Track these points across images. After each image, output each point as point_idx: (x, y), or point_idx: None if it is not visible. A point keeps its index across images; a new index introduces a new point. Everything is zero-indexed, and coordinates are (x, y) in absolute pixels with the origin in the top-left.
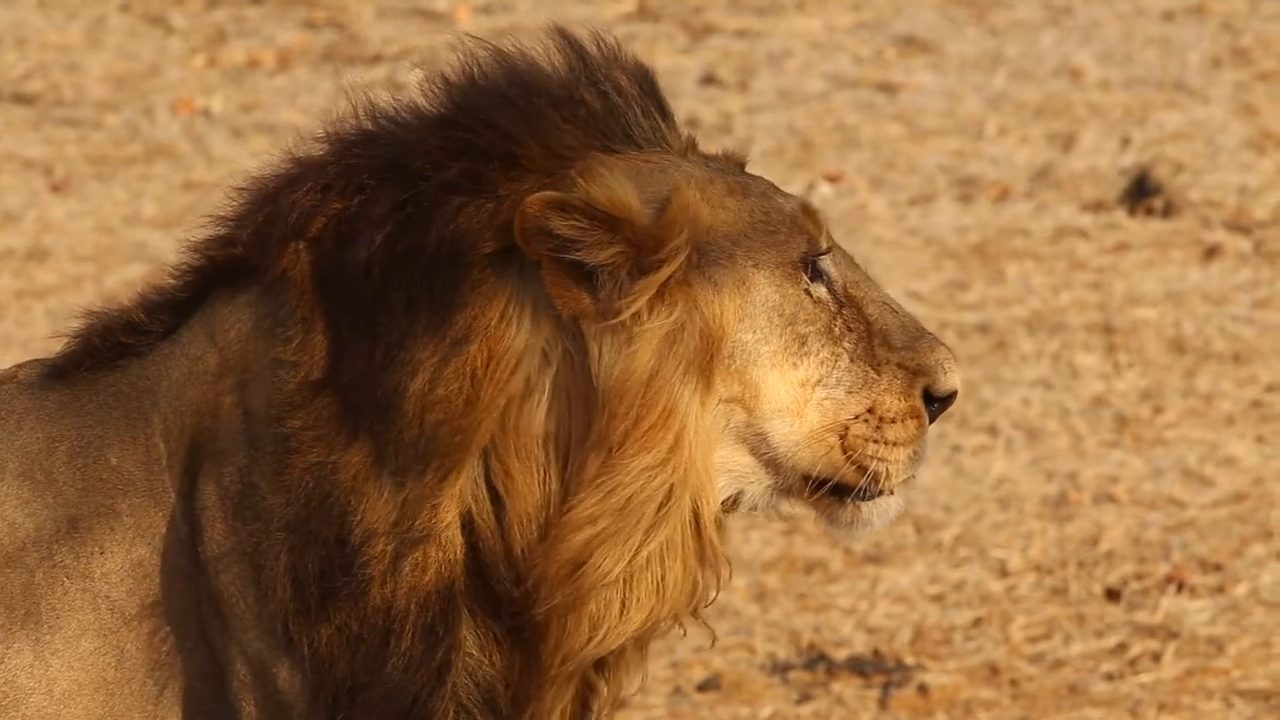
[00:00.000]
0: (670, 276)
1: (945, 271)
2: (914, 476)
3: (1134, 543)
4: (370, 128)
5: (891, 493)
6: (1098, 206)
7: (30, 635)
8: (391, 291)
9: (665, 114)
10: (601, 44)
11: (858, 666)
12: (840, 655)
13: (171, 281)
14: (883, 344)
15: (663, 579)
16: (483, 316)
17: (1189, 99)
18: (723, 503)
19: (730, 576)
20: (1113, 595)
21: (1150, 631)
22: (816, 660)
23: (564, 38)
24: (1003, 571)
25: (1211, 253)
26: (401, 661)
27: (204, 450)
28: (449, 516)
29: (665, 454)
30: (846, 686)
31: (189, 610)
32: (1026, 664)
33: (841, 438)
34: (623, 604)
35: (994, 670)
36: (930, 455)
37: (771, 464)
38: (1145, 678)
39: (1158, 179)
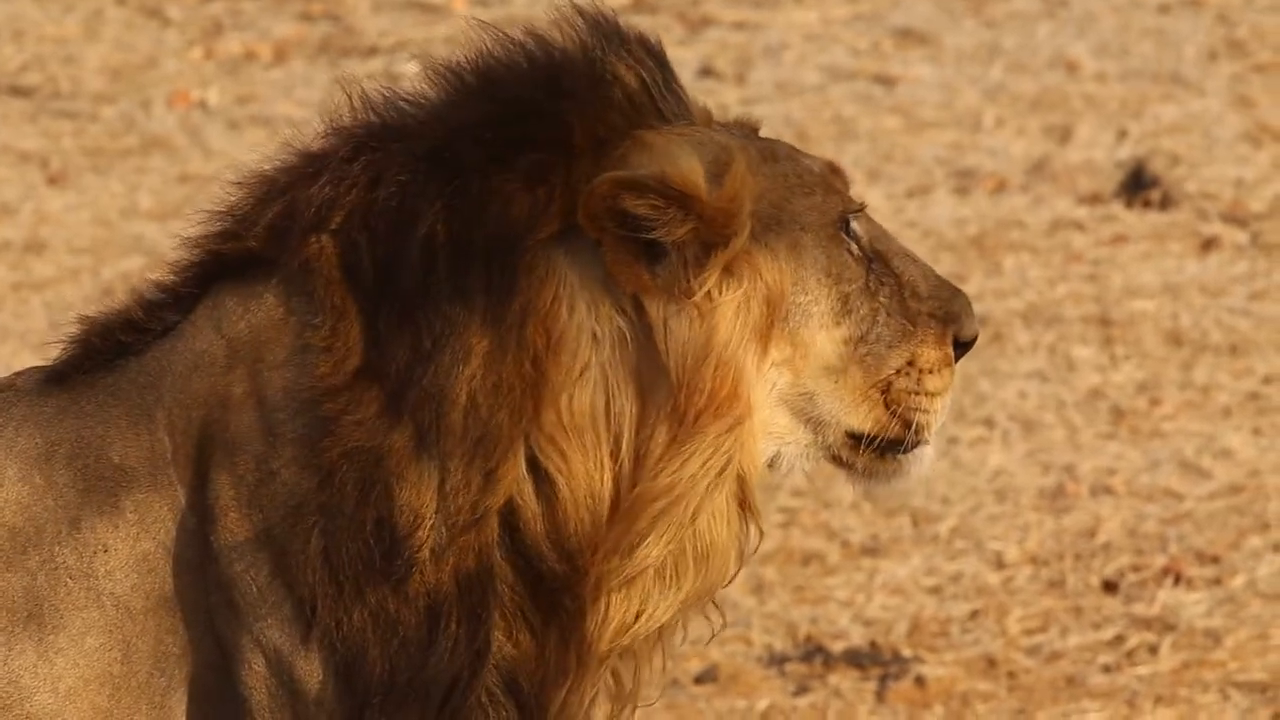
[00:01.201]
0: (739, 250)
1: (942, 263)
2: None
3: (1131, 535)
4: (379, 119)
5: (928, 442)
6: (1094, 199)
7: (33, 635)
8: (438, 280)
9: (680, 86)
10: (609, 20)
11: (855, 658)
12: (837, 647)
13: (170, 278)
14: (913, 295)
15: (711, 545)
16: (537, 300)
17: (1185, 91)
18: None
19: (761, 539)
20: (1110, 587)
21: (1147, 624)
22: (813, 652)
23: (576, 14)
24: (1000, 563)
25: (1208, 245)
26: (449, 644)
27: (214, 441)
28: (498, 501)
29: (733, 422)
30: (843, 678)
31: (197, 602)
32: (1023, 656)
33: (884, 392)
34: (673, 574)
35: (991, 662)
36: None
37: (814, 422)
38: (1142, 670)
39: (1154, 171)
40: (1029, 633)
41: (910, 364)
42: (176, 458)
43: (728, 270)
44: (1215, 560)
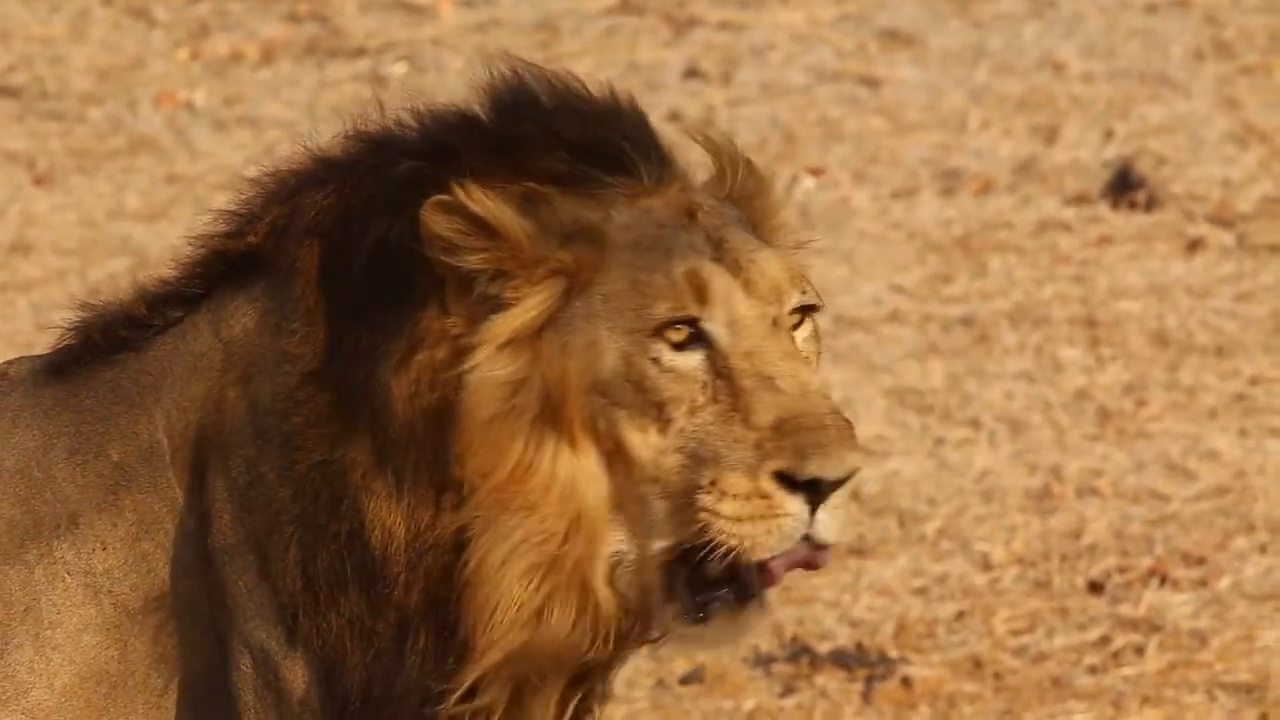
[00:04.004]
0: (524, 324)
1: (928, 265)
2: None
3: (1117, 536)
4: (399, 129)
5: (753, 595)
6: (1080, 200)
7: (30, 631)
8: (377, 284)
9: (649, 156)
10: (594, 90)
11: (841, 659)
12: (823, 648)
13: (174, 274)
14: (743, 421)
15: (539, 613)
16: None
17: (1172, 92)
18: (618, 563)
19: (637, 632)
20: (1096, 588)
21: (1133, 625)
22: (800, 653)
23: (566, 79)
24: (986, 564)
25: (1194, 246)
26: (416, 660)
27: (210, 444)
28: (457, 520)
29: (521, 509)
30: (830, 679)
31: (196, 604)
32: (1010, 657)
33: (690, 506)
34: (505, 621)
35: (977, 663)
36: (914, 450)
37: (645, 527)
38: (1128, 671)
39: (1141, 172)
40: (1015, 634)
41: (713, 484)
42: (175, 460)
43: (509, 345)
44: (1201, 561)
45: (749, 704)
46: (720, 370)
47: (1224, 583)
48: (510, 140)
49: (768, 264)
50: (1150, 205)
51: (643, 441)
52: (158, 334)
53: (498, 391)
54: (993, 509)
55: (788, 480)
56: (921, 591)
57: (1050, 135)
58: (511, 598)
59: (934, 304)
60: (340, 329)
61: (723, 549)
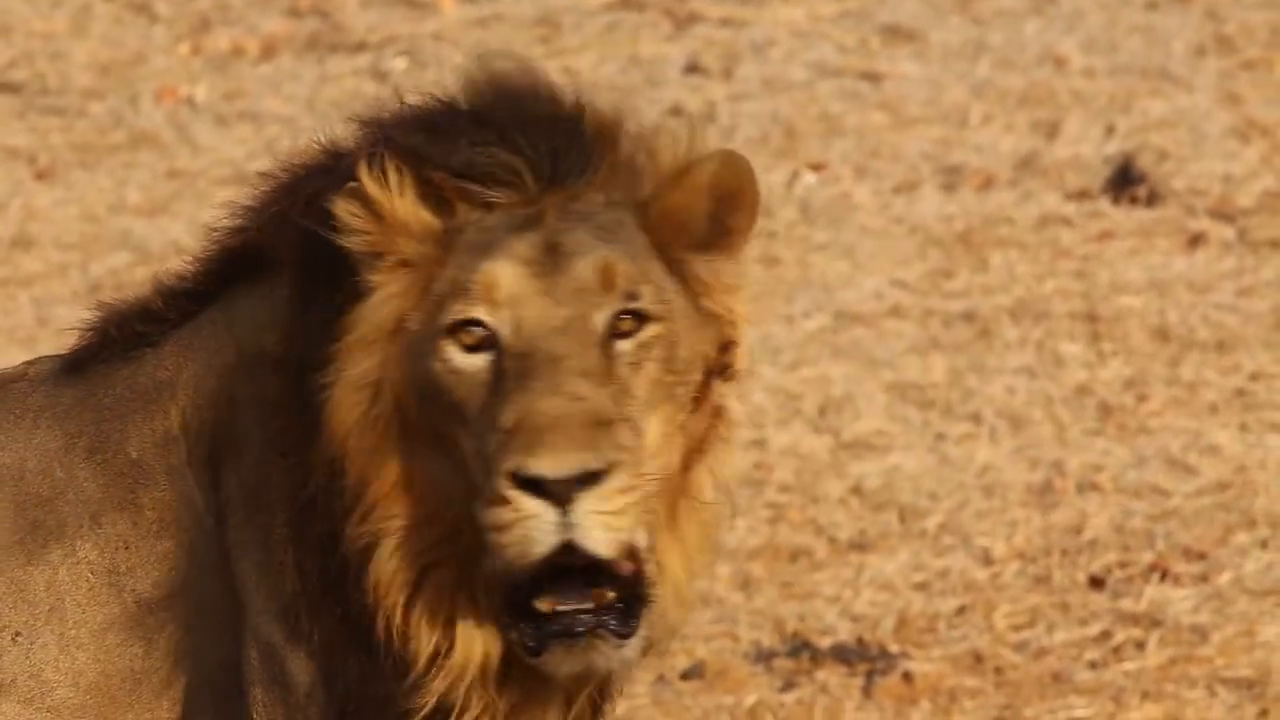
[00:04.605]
0: (378, 321)
1: (930, 260)
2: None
3: (1118, 531)
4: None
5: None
6: (1082, 195)
7: (55, 630)
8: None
9: (546, 163)
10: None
11: (842, 654)
12: (824, 643)
13: (191, 268)
14: (491, 424)
15: (438, 624)
16: None
17: (1173, 87)
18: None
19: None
20: (1097, 583)
21: (1134, 620)
22: (801, 648)
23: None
24: (987, 560)
25: (1196, 241)
26: (392, 664)
27: (223, 442)
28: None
29: (367, 509)
30: (831, 674)
31: (217, 601)
32: (1011, 652)
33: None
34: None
35: (978, 658)
36: (915, 445)
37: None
38: (1129, 666)
39: (1142, 167)
40: (1016, 629)
41: (476, 488)
42: (192, 457)
43: (364, 342)
44: (1202, 556)
45: (750, 699)
46: (499, 373)
47: (1225, 578)
48: (429, 136)
49: (582, 267)
50: (1151, 200)
51: (435, 448)
52: (174, 329)
53: (356, 395)
54: (994, 504)
55: (519, 480)
56: (922, 586)
57: (1051, 130)
58: (400, 608)
59: (935, 299)
60: (301, 326)
61: (498, 563)
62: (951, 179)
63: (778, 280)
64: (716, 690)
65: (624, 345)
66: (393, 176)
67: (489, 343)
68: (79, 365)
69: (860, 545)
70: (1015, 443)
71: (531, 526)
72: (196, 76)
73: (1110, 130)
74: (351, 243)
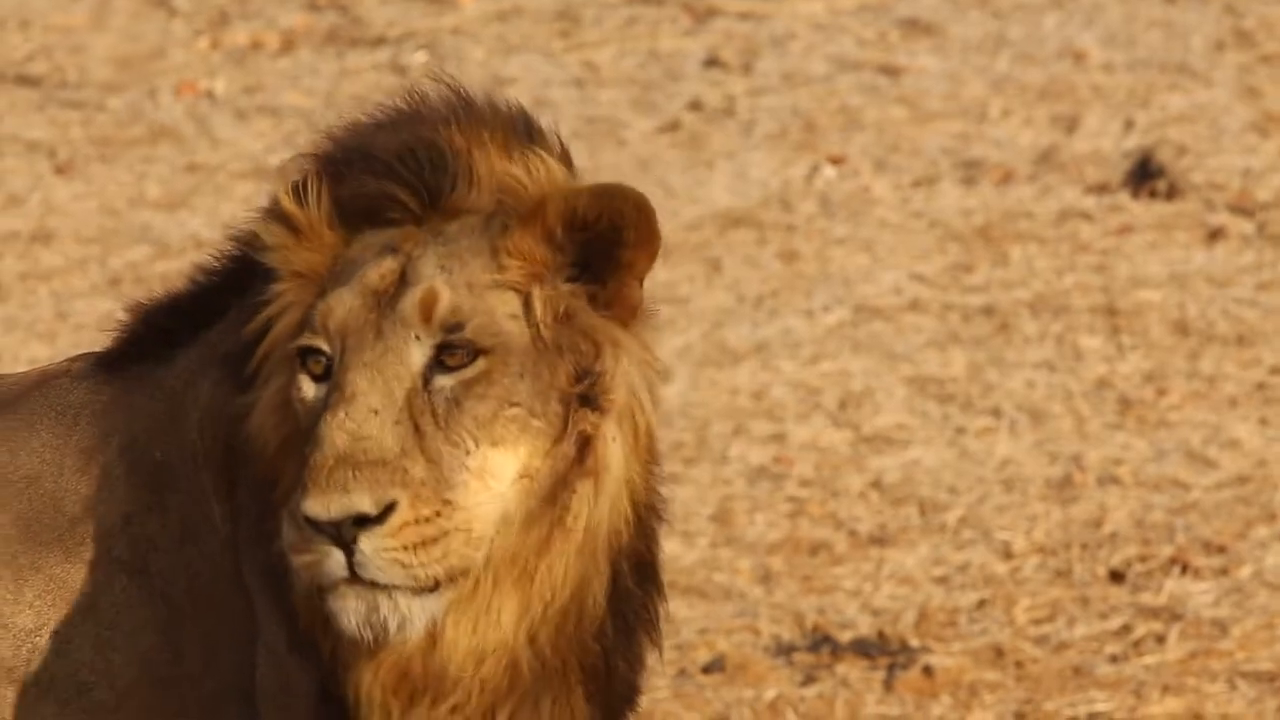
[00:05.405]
0: (276, 333)
1: (949, 254)
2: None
3: (1138, 525)
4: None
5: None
6: (1101, 189)
7: (91, 630)
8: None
9: (423, 188)
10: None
11: (862, 648)
12: (845, 637)
13: (216, 265)
14: (312, 444)
15: None
16: None
17: (1192, 81)
18: None
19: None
20: (1117, 577)
21: (1154, 613)
22: (821, 642)
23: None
24: (1007, 553)
25: (1215, 235)
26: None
27: (236, 446)
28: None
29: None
30: (851, 668)
31: (238, 608)
32: (1031, 646)
33: None
34: None
35: (998, 652)
36: (935, 439)
37: None
38: (1149, 660)
39: (1161, 161)
40: (1036, 622)
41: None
42: (208, 462)
43: (271, 359)
44: (1222, 550)
45: (770, 693)
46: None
47: (1245, 571)
48: (345, 157)
49: (406, 300)
50: (1171, 194)
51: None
52: (204, 328)
53: (273, 416)
54: (1014, 498)
55: (304, 518)
56: (943, 580)
57: (1071, 125)
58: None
59: (955, 293)
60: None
61: (299, 582)
62: (971, 173)
63: (797, 274)
64: (737, 684)
65: (444, 380)
66: (310, 194)
67: (329, 373)
68: (116, 364)
69: (880, 539)
70: (1035, 436)
71: (320, 561)
72: (216, 70)
73: (1129, 124)
74: (268, 258)
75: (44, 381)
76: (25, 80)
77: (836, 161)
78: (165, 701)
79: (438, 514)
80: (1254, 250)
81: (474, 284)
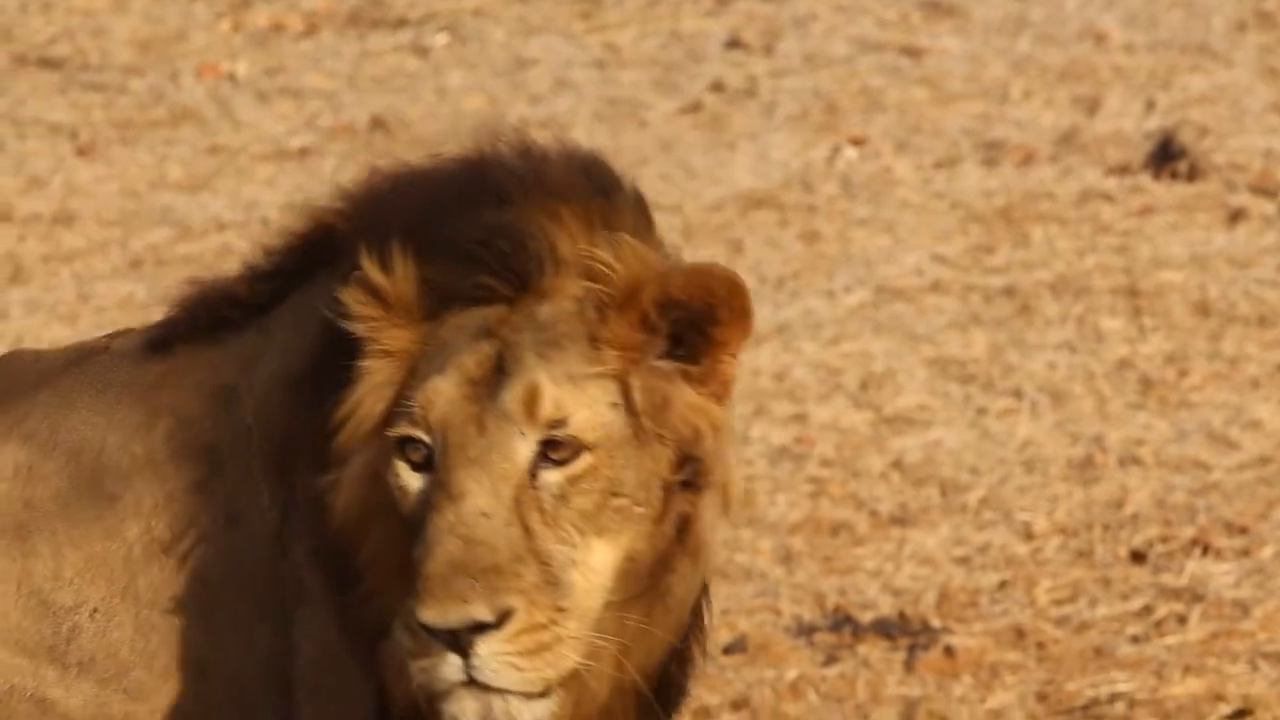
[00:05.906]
0: (362, 408)
1: (970, 235)
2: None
3: (1159, 505)
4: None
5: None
6: (1123, 170)
7: (130, 609)
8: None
9: (514, 266)
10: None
11: (884, 629)
12: (866, 618)
13: (275, 249)
14: (420, 550)
15: None
16: None
17: (1214, 62)
18: None
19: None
20: (1138, 558)
21: (1176, 594)
22: (842, 622)
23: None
24: (1028, 534)
25: (1236, 216)
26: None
27: (296, 435)
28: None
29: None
30: (872, 649)
31: (277, 594)
32: (1052, 626)
33: None
34: None
35: (1020, 633)
36: (956, 420)
37: None
38: (1171, 640)
39: (1182, 142)
40: (1058, 603)
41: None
42: (262, 449)
43: (357, 432)
44: (1244, 531)
45: (791, 673)
46: (431, 490)
47: (1267, 552)
48: (427, 237)
49: (509, 395)
50: (1192, 175)
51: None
52: (258, 314)
53: (358, 489)
54: (1035, 479)
55: (419, 625)
56: (964, 561)
57: (1092, 106)
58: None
59: (976, 274)
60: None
61: (413, 684)
62: (992, 154)
63: (819, 255)
64: (759, 664)
65: (551, 476)
66: (397, 269)
67: (430, 462)
68: (164, 343)
69: (901, 520)
70: (1056, 417)
71: (437, 666)
72: (237, 52)
73: (1151, 105)
74: (355, 329)
75: (83, 358)
76: (47, 63)
77: (858, 143)
78: (202, 684)
79: (553, 621)
80: (1275, 231)
81: (574, 375)
